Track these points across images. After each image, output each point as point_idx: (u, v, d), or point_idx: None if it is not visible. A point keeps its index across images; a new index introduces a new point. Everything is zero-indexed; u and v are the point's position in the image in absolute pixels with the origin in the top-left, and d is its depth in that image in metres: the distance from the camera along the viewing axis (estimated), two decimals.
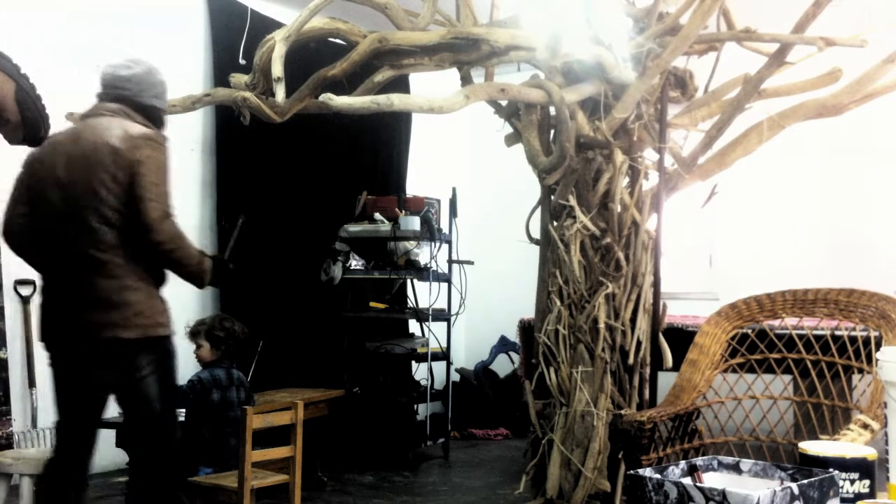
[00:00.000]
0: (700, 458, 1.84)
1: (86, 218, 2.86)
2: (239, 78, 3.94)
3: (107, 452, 4.73)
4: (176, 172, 5.80)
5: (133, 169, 2.85)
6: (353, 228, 6.22)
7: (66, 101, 3.77)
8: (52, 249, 2.98)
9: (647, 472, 1.67)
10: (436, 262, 6.20)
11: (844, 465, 1.66)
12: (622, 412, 3.64)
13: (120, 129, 2.90)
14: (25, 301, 5.11)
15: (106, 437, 4.31)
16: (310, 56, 3.90)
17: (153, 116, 3.09)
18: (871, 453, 1.69)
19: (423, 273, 6.16)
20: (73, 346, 2.98)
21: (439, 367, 6.48)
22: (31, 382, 5.07)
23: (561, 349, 4.07)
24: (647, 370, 4.14)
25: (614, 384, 4.03)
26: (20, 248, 3.11)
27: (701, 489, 1.53)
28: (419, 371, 6.80)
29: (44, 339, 3.04)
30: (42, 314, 3.04)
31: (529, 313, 4.64)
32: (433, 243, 6.20)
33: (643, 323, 4.10)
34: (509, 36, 3.87)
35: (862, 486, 1.66)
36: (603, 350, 3.98)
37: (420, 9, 3.93)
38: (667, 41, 4.03)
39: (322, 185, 6.64)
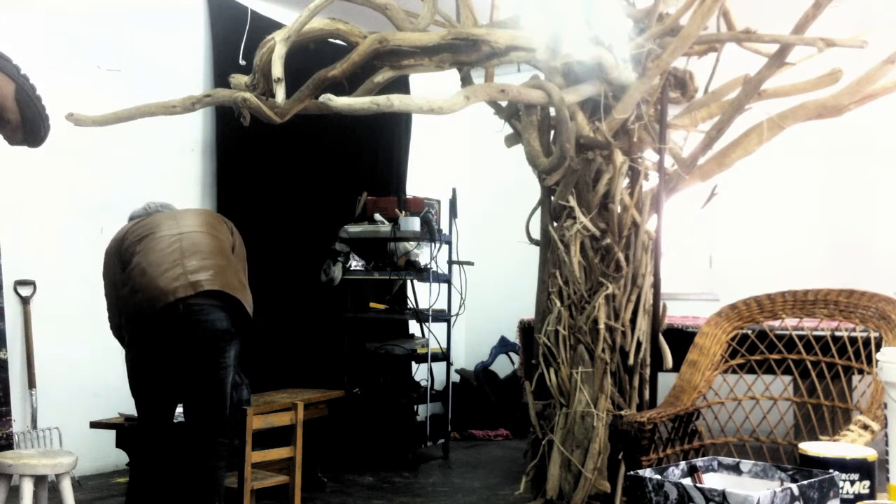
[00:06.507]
0: (700, 458, 1.84)
1: None
2: (239, 78, 3.93)
3: (107, 452, 4.75)
4: (176, 173, 5.92)
5: None
6: (353, 229, 6.22)
7: (66, 101, 3.78)
8: None
9: (647, 472, 1.67)
10: (436, 262, 6.20)
11: (844, 465, 1.66)
12: (622, 413, 3.63)
13: None
14: (25, 301, 5.11)
15: (106, 437, 4.33)
16: (310, 57, 3.90)
17: None
18: (871, 454, 1.69)
19: (423, 274, 6.16)
20: None
21: (439, 367, 6.48)
22: (31, 383, 5.07)
23: (561, 350, 4.07)
24: (647, 371, 4.14)
25: (614, 385, 4.02)
26: None
27: (701, 490, 1.53)
28: (419, 372, 6.80)
29: None
30: None
31: (529, 314, 4.64)
32: (433, 244, 6.20)
33: (643, 324, 4.10)
34: (509, 37, 3.87)
35: (862, 486, 1.66)
36: (603, 351, 3.98)
37: (420, 9, 3.92)
38: (667, 42, 4.03)
39: (322, 185, 6.64)
